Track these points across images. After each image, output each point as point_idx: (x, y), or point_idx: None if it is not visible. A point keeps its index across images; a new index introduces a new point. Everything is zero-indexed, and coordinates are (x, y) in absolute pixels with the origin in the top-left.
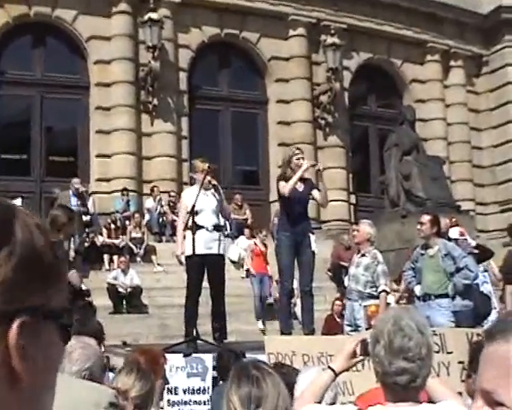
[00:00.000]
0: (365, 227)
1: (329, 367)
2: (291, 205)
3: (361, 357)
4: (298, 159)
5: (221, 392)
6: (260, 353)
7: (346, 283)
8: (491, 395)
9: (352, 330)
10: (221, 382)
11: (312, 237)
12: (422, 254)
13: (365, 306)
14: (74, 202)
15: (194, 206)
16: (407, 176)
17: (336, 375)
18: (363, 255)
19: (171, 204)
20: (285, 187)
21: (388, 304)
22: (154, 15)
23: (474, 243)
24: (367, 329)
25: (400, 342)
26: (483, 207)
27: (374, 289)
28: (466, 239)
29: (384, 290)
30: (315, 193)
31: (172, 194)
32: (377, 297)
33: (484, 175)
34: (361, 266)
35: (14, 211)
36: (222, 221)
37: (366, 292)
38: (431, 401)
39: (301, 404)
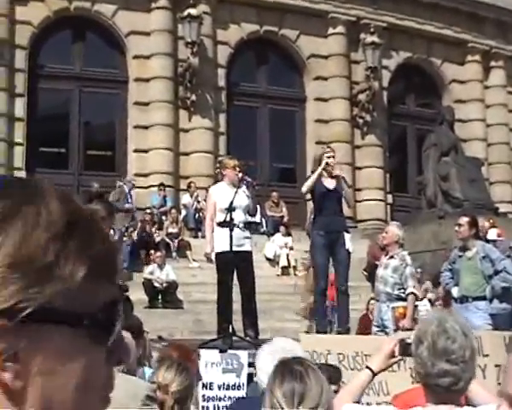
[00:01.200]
0: (394, 229)
1: (367, 367)
2: (323, 203)
3: (399, 357)
4: (328, 157)
5: (256, 389)
6: None
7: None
8: None
9: (379, 331)
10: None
11: (347, 236)
12: (460, 256)
13: (393, 307)
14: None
15: (232, 203)
16: (445, 177)
17: (374, 375)
18: (392, 257)
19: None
20: (304, 186)
21: (416, 306)
22: (193, 11)
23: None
24: (395, 330)
25: (444, 343)
26: None
27: (402, 291)
28: (503, 241)
29: (412, 292)
30: (346, 191)
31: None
32: (405, 299)
33: None
34: (389, 267)
35: (31, 198)
36: (252, 218)
37: (394, 294)
38: (470, 404)
39: (339, 403)
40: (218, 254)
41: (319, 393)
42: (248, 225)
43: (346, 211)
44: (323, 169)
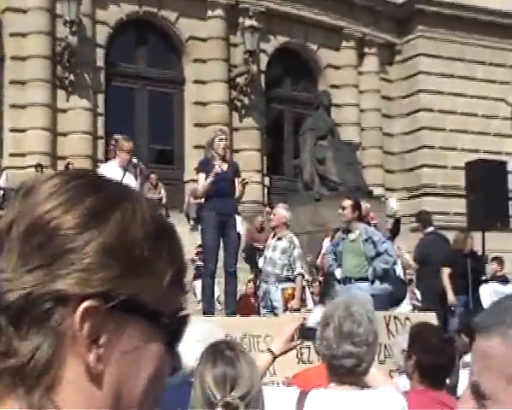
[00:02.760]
0: (281, 211)
1: (268, 349)
2: (216, 185)
3: (299, 341)
4: (220, 140)
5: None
6: None
7: (260, 264)
8: (478, 387)
9: (268, 312)
10: None
11: (238, 219)
12: (343, 239)
13: (282, 289)
14: None
15: None
16: (321, 160)
17: (275, 357)
18: (280, 239)
19: None
20: (200, 186)
21: (304, 287)
22: None
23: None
24: (284, 311)
25: (350, 327)
26: (392, 193)
27: (290, 272)
28: (377, 223)
29: (300, 273)
30: (235, 182)
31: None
32: (293, 280)
33: (394, 161)
34: (278, 249)
35: (126, 195)
36: None
37: (283, 275)
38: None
39: None
40: None
41: (251, 378)
42: None
43: None
44: (216, 152)
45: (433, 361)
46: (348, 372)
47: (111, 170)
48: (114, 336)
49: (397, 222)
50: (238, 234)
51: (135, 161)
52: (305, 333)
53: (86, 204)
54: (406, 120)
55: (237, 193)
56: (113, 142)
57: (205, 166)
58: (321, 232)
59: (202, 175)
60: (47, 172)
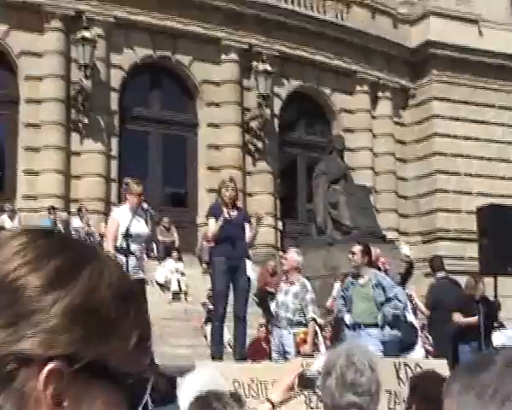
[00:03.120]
0: (293, 255)
1: (267, 399)
2: (225, 230)
3: (298, 390)
4: (226, 190)
5: None
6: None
7: (272, 308)
8: None
9: (279, 356)
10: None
11: (249, 263)
12: (353, 284)
13: (294, 333)
14: (9, 224)
15: (128, 229)
16: (334, 204)
17: (274, 407)
18: (292, 283)
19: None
20: (210, 231)
21: (316, 332)
22: (87, 34)
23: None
24: (296, 356)
25: (353, 376)
26: (406, 237)
27: (302, 316)
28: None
29: (313, 318)
30: (246, 228)
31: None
32: (305, 325)
33: (408, 205)
34: (290, 293)
35: (93, 255)
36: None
37: (295, 319)
38: None
39: None
40: None
41: None
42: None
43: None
44: (225, 203)
45: None
46: None
47: (122, 213)
48: (78, 399)
49: (410, 266)
50: (248, 278)
51: (145, 206)
52: (306, 382)
53: (53, 263)
54: (420, 163)
55: (248, 237)
56: (124, 185)
57: (215, 212)
58: (334, 275)
59: (212, 220)
60: (60, 214)
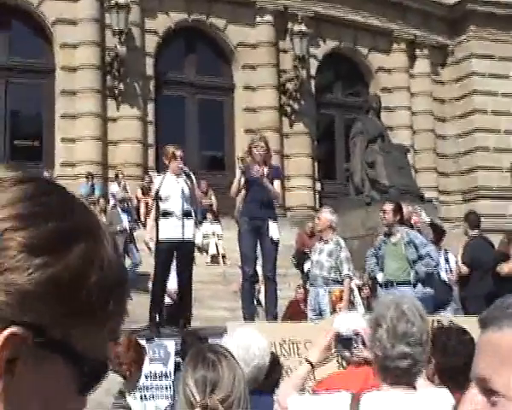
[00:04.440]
0: (326, 215)
1: (306, 360)
2: (250, 190)
3: (334, 349)
4: (256, 147)
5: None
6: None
7: (305, 269)
8: (486, 383)
9: (315, 315)
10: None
11: (273, 225)
12: (385, 242)
13: (330, 291)
14: None
15: (158, 191)
16: (372, 164)
17: (313, 367)
18: (326, 242)
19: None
20: (233, 186)
21: (352, 290)
22: (120, 0)
23: (428, 220)
24: (331, 313)
25: (404, 327)
26: (446, 196)
27: (338, 274)
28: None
29: (348, 275)
30: (274, 184)
31: (147, 179)
32: (341, 282)
33: (447, 164)
34: (324, 252)
35: (93, 231)
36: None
37: (330, 277)
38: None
39: (283, 397)
40: (158, 243)
41: (231, 381)
42: (189, 215)
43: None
44: (255, 161)
45: (450, 363)
46: (403, 373)
47: (165, 179)
48: (29, 371)
49: (435, 228)
50: (272, 240)
51: (186, 169)
52: (342, 342)
53: (50, 227)
54: (459, 122)
55: (273, 193)
56: (164, 151)
57: (243, 169)
58: (372, 236)
59: (237, 177)
60: (96, 181)
